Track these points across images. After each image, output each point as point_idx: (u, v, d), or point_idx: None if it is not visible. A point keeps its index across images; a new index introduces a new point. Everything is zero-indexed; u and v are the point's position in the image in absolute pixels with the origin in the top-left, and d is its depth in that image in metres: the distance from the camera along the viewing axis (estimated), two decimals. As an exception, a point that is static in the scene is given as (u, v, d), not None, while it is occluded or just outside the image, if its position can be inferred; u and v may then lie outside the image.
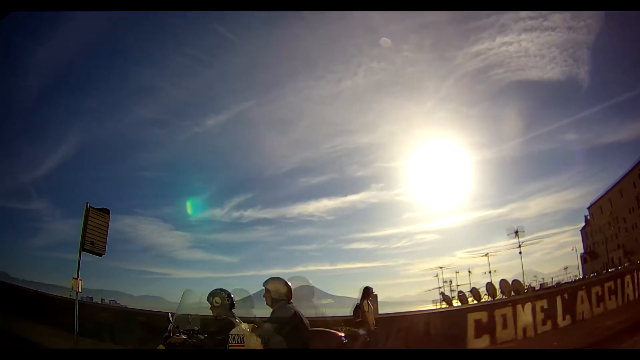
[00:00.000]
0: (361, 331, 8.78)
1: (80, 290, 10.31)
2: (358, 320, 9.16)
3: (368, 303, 9.29)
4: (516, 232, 28.03)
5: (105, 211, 10.99)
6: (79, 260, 10.28)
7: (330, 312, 10.71)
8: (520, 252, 27.65)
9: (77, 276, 10.20)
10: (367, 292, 9.48)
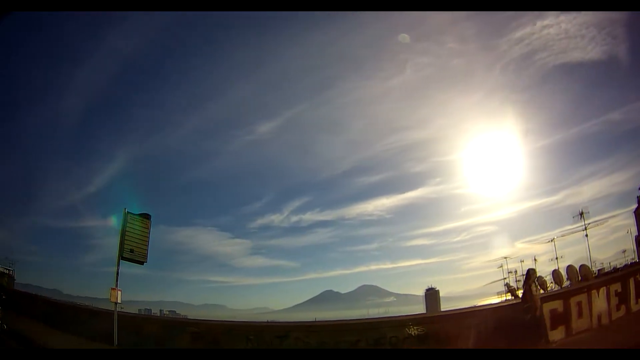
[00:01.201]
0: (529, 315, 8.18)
1: (119, 301, 9.75)
2: (526, 305, 8.47)
3: (536, 286, 8.70)
4: (581, 214, 26.64)
5: (146, 216, 10.42)
6: (118, 269, 9.76)
7: (393, 310, 10.26)
8: (586, 235, 26.29)
9: (116, 286, 9.65)
10: (531, 275, 8.80)
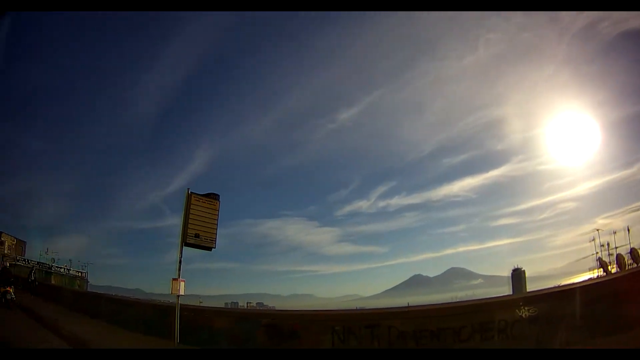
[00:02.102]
0: None
1: (182, 293, 8.75)
2: None
3: None
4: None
5: (213, 196, 9.40)
6: (180, 257, 8.78)
7: (480, 292, 9.19)
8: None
9: (178, 276, 8.66)
10: None
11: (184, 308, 10.82)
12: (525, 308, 6.75)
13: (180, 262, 8.79)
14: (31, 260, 58.72)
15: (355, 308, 9.22)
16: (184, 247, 8.95)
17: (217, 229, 9.28)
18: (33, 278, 23.43)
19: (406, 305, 9.31)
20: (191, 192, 9.10)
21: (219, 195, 9.50)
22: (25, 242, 75.39)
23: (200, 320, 10.42)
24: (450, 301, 8.82)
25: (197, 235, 8.92)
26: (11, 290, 16.87)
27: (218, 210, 9.38)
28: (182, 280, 8.74)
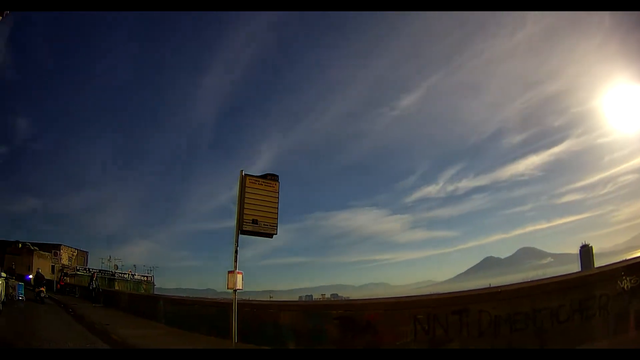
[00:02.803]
0: None
1: (240, 287, 8.32)
2: None
3: None
4: None
5: (272, 177, 8.91)
6: (236, 247, 8.30)
7: (551, 272, 8.49)
8: None
9: (235, 269, 8.26)
10: None
11: (246, 304, 10.67)
12: (627, 279, 6.13)
13: (236, 251, 8.38)
14: (92, 269, 65.40)
15: (437, 293, 8.46)
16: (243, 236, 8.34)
17: (277, 213, 8.81)
18: (95, 286, 23.96)
19: (488, 286, 8.64)
20: (246, 174, 8.68)
21: (278, 176, 9.03)
22: (87, 252, 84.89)
23: (263, 316, 10.22)
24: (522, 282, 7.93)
25: (254, 221, 8.47)
26: (44, 290, 22.19)
27: (278, 193, 8.91)
28: (239, 273, 8.37)
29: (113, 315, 19.21)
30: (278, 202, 8.85)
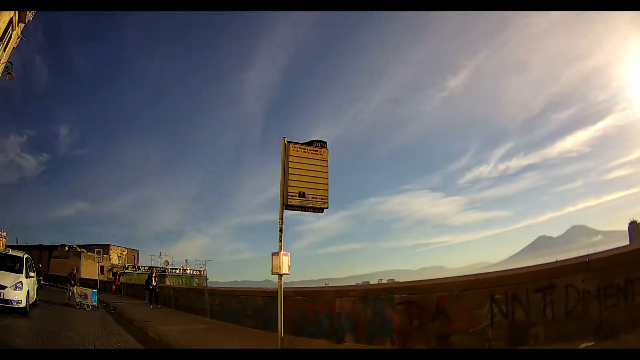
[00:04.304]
0: None
1: (286, 271, 8.34)
2: None
3: None
4: None
5: (320, 144, 8.92)
6: (281, 225, 8.35)
7: (601, 249, 8.12)
8: None
9: (280, 249, 8.25)
10: None
11: (298, 292, 11.07)
12: None
13: (281, 230, 8.38)
14: (142, 266, 72.74)
15: (519, 267, 8.20)
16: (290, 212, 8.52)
17: (328, 184, 8.84)
18: (154, 284, 24.59)
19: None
20: (289, 142, 8.70)
21: (326, 143, 9.01)
22: (137, 250, 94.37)
23: (317, 304, 10.48)
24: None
25: (301, 194, 8.53)
26: (78, 288, 24.50)
27: (327, 161, 8.90)
28: (285, 254, 8.33)
29: (158, 311, 21.17)
30: (328, 173, 8.87)
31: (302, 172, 8.69)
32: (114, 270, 54.34)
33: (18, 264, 16.32)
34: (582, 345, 5.75)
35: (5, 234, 69.78)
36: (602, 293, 5.92)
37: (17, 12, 32.45)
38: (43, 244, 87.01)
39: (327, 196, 8.84)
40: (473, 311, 7.09)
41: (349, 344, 9.20)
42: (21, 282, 15.15)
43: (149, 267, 75.03)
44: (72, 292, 23.97)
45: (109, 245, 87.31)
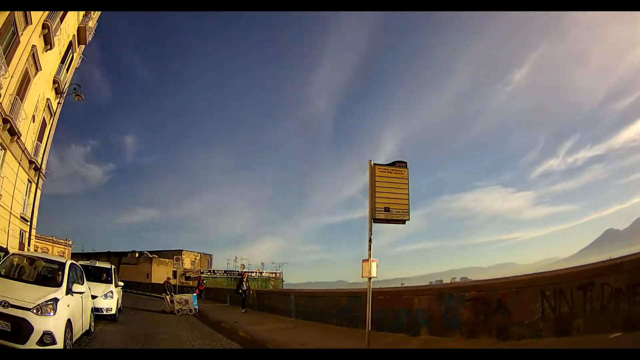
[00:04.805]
0: None
1: (375, 275, 10.34)
2: None
3: None
4: None
5: (401, 164, 10.98)
6: (370, 236, 10.46)
7: None
8: None
9: (369, 257, 10.32)
10: None
11: (380, 292, 12.86)
12: None
13: (370, 240, 10.47)
14: (218, 270, 77.38)
15: (563, 268, 9.75)
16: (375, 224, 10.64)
17: (408, 199, 10.83)
18: (245, 287, 25.42)
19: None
20: (375, 164, 10.83)
21: (406, 163, 11.05)
22: (210, 255, 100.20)
23: (397, 302, 12.50)
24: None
25: (386, 209, 10.59)
26: (176, 296, 26.67)
27: (407, 179, 10.93)
28: (373, 261, 10.33)
29: (243, 313, 23.32)
30: (408, 189, 10.94)
31: (386, 190, 10.85)
32: (187, 275, 57.82)
33: (105, 274, 18.80)
34: (612, 336, 7.27)
35: (70, 242, 73.11)
36: (631, 291, 7.42)
37: (76, 35, 36.74)
38: (111, 251, 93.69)
39: (408, 209, 10.90)
40: (528, 306, 8.85)
41: (424, 336, 11.13)
42: (111, 292, 17.59)
43: (212, 271, 79.91)
44: (170, 300, 26.55)
45: (181, 250, 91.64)
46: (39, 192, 34.02)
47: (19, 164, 30.20)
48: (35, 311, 8.54)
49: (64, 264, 11.31)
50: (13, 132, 26.96)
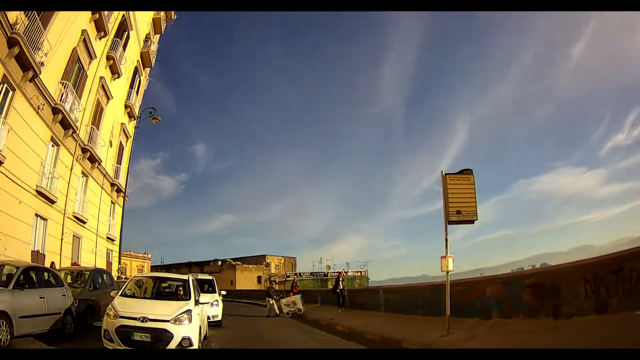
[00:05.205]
0: None
1: (451, 269, 13.16)
2: None
3: None
4: None
5: (468, 172, 13.66)
6: (446, 235, 13.21)
7: None
8: None
9: (446, 254, 13.09)
10: None
11: (457, 283, 15.41)
12: None
13: (446, 239, 13.24)
14: (303, 273, 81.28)
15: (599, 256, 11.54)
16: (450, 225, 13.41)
17: (476, 201, 13.46)
18: (342, 287, 28.23)
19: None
20: (446, 174, 13.51)
21: (472, 170, 13.69)
22: (294, 257, 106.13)
23: (472, 291, 15.09)
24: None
25: (458, 212, 13.22)
26: (283, 299, 29.96)
27: (474, 184, 13.52)
28: (450, 257, 13.14)
29: (331, 310, 26.93)
30: (475, 192, 13.57)
31: (457, 195, 13.53)
32: (273, 280, 61.47)
33: (207, 285, 21.73)
34: (638, 313, 9.20)
35: (149, 255, 78.42)
36: None
37: (140, 60, 41.42)
38: (192, 261, 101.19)
39: (476, 210, 13.55)
40: (574, 289, 11.09)
41: (494, 319, 13.60)
42: (217, 300, 20.39)
43: (298, 274, 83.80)
44: (275, 305, 29.59)
45: (264, 255, 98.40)
46: (119, 210, 39.02)
47: (102, 187, 34.48)
48: (173, 322, 10.77)
49: (187, 280, 13.39)
50: (93, 160, 31.03)
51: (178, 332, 10.74)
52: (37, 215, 22.81)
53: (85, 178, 30.62)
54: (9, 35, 17.97)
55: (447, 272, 13.38)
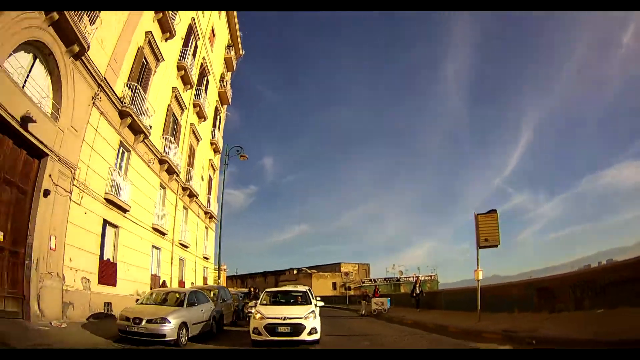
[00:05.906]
0: None
1: (481, 278, 19.35)
2: None
3: None
4: None
5: (492, 212, 19.37)
6: (478, 255, 19.21)
7: None
8: None
9: (477, 267, 19.10)
10: None
11: (492, 287, 21.74)
12: None
13: (477, 259, 19.29)
14: (377, 279, 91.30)
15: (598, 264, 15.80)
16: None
17: (499, 231, 19.04)
18: (419, 291, 33.45)
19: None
20: (477, 214, 19.40)
21: (496, 210, 19.44)
22: (368, 264, 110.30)
23: (501, 293, 20.74)
24: None
25: (486, 240, 19.05)
26: (374, 299, 38.26)
27: (497, 220, 19.26)
28: (480, 270, 19.20)
29: (401, 310, 34.51)
30: (498, 225, 19.34)
31: (485, 227, 19.55)
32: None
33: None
34: (599, 311, 12.72)
35: (225, 266, 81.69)
36: (603, 287, 13.48)
37: (219, 98, 47.86)
38: (267, 270, 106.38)
39: (499, 238, 19.45)
40: (564, 292, 15.33)
41: (516, 313, 18.19)
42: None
43: (373, 280, 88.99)
44: (368, 305, 37.95)
45: (339, 263, 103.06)
46: (211, 233, 46.42)
47: (198, 217, 41.39)
48: (304, 318, 15.96)
49: (305, 291, 19.33)
50: (192, 195, 37.70)
51: (308, 325, 15.84)
52: (153, 246, 29.47)
53: (185, 211, 37.22)
54: (120, 108, 22.25)
55: (478, 280, 19.63)
